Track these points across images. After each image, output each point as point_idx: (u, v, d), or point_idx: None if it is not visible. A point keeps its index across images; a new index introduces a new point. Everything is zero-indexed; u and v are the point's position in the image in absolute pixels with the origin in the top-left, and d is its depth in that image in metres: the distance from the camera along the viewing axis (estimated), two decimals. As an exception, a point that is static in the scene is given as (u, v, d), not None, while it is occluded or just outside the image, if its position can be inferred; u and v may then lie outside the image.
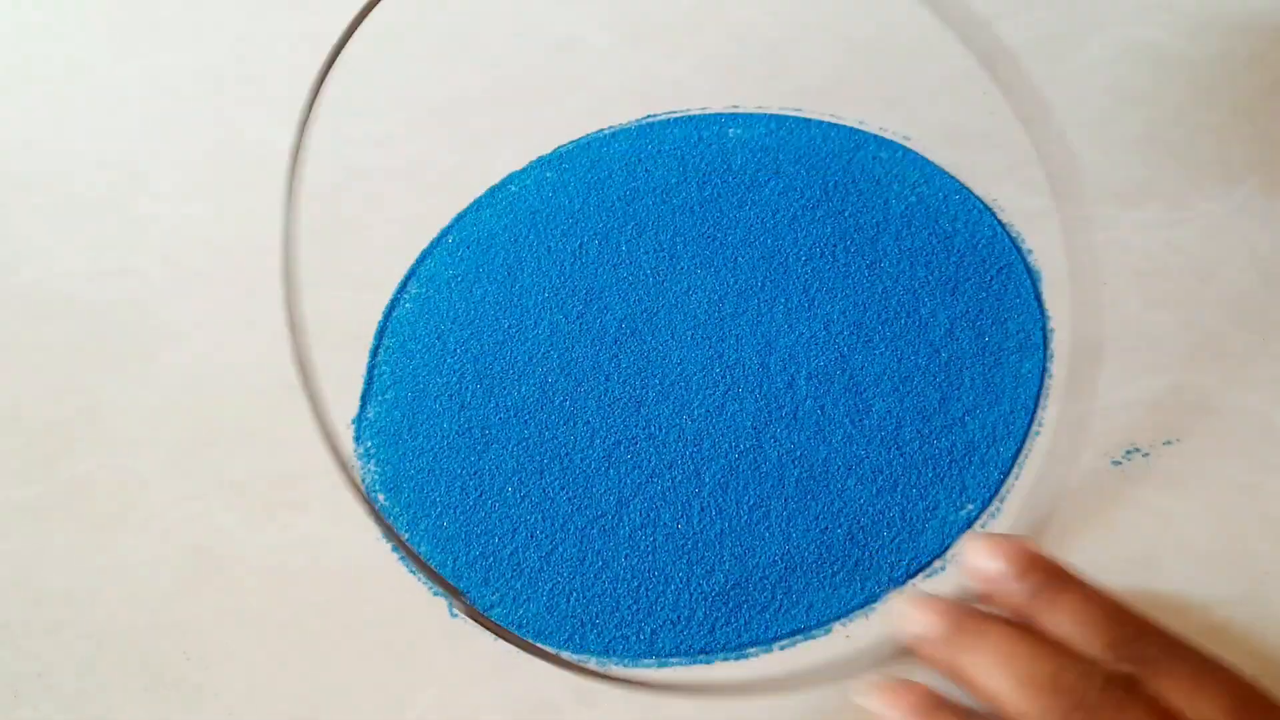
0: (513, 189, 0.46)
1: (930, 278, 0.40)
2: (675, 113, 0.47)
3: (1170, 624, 0.32)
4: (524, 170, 0.47)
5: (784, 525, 0.35)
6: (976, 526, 0.34)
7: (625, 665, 0.34)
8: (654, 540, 0.36)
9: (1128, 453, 0.35)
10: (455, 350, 0.42)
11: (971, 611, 0.25)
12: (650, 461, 0.37)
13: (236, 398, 0.42)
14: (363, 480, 0.39)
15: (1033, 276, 0.39)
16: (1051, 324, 0.38)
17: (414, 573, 0.37)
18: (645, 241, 0.43)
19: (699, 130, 0.46)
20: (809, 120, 0.46)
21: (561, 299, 0.42)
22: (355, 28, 0.32)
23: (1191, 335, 0.37)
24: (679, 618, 0.34)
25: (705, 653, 0.33)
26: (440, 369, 0.41)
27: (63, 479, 0.41)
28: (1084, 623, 0.25)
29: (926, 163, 0.43)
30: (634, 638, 0.34)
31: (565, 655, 0.34)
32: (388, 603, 0.36)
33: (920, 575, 0.34)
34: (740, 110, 0.47)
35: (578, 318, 0.41)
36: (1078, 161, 0.41)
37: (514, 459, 0.38)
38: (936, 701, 0.25)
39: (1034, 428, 0.36)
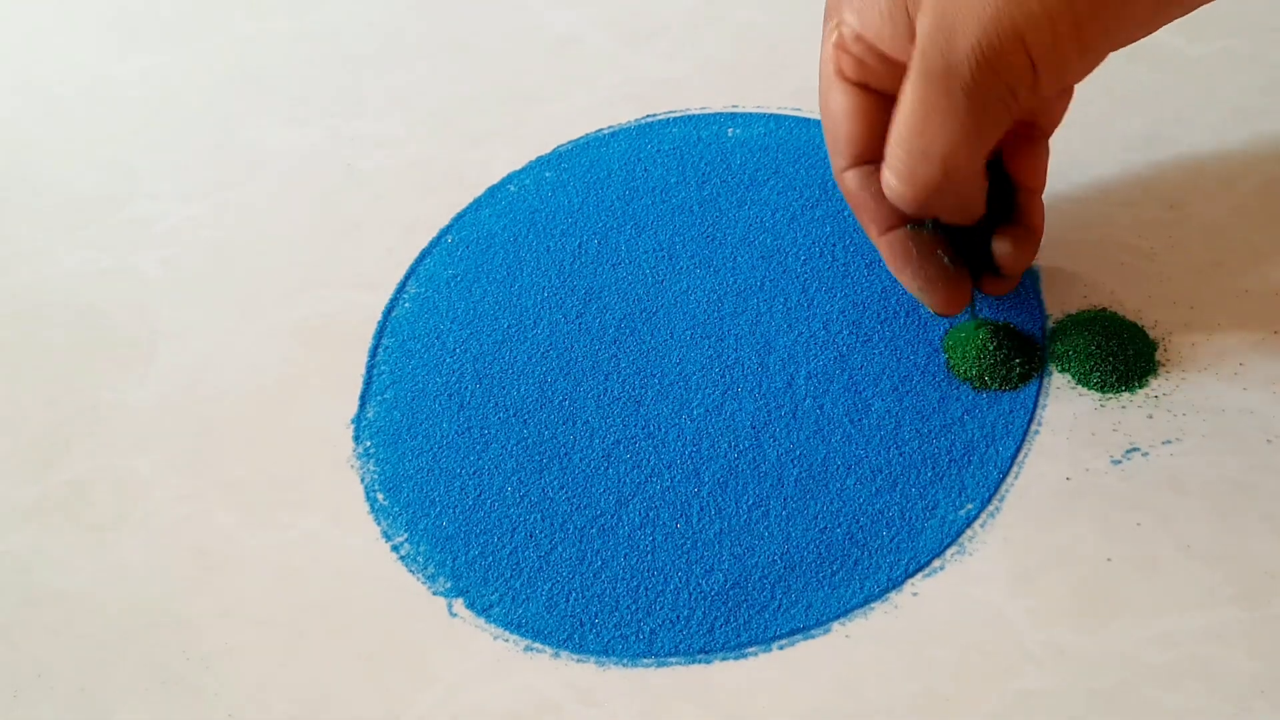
0: (512, 189, 0.46)
1: (930, 277, 0.40)
2: (675, 112, 0.47)
3: (1171, 624, 0.32)
4: (523, 170, 0.47)
5: (783, 525, 0.35)
6: (975, 527, 0.34)
7: (625, 665, 0.34)
8: (653, 540, 0.36)
9: (1128, 453, 0.35)
10: (455, 350, 0.42)
11: None
12: (650, 461, 0.37)
13: (236, 398, 0.42)
14: (363, 480, 0.39)
15: (1033, 276, 0.39)
16: (1051, 324, 0.38)
17: (414, 573, 0.37)
18: (645, 241, 0.43)
19: (698, 130, 0.46)
20: (809, 120, 0.46)
21: (561, 299, 0.42)
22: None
23: (1191, 335, 0.37)
24: (678, 617, 0.34)
25: (705, 652, 0.33)
26: (440, 369, 0.41)
27: (63, 479, 0.41)
28: None
29: (926, 162, 0.43)
30: (633, 637, 0.34)
31: (565, 655, 0.34)
32: (388, 603, 0.36)
33: (920, 575, 0.34)
34: (740, 110, 0.47)
35: (577, 318, 0.41)
36: (1077, 161, 0.41)
37: (514, 459, 0.38)
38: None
39: (1033, 427, 0.36)
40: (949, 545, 0.34)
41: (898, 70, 0.30)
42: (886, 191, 0.31)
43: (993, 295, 0.37)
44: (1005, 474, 0.35)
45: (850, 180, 0.34)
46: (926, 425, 0.36)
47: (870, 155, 0.33)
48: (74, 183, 0.51)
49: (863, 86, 0.32)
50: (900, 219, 0.33)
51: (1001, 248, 0.34)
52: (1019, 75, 0.27)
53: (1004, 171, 0.35)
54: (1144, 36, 0.29)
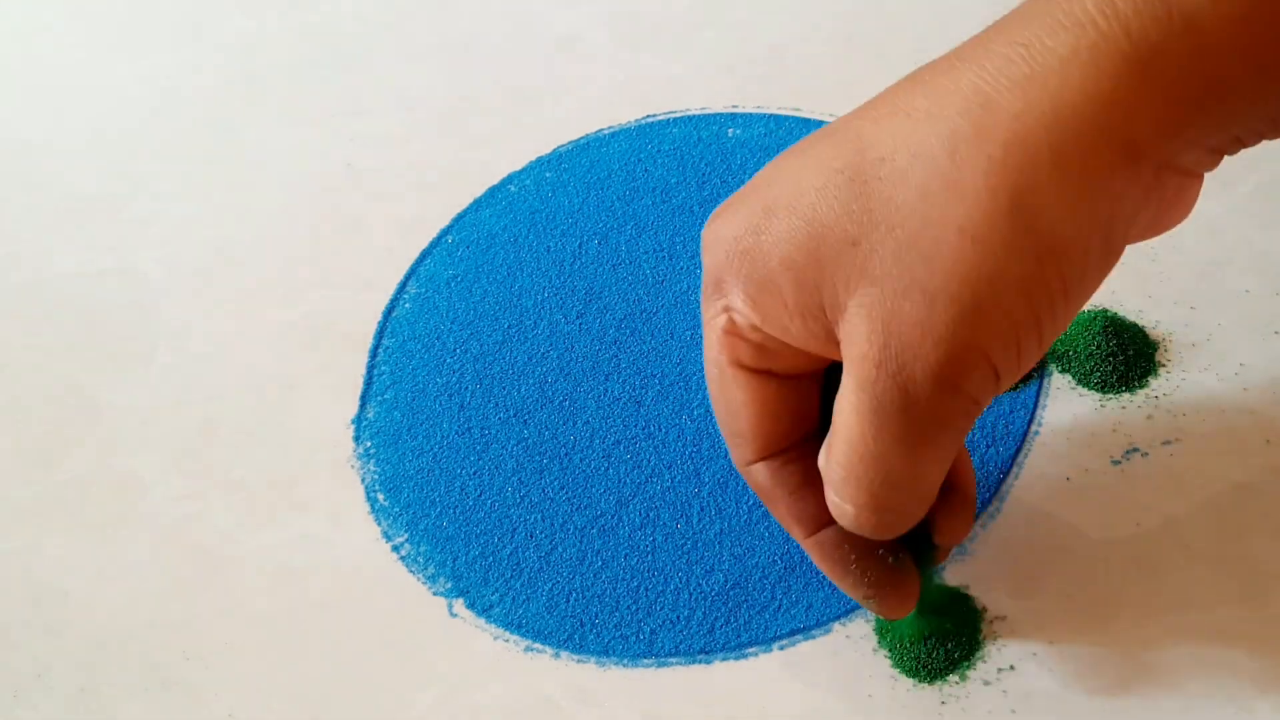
0: (512, 189, 0.46)
1: (930, 278, 0.39)
2: (675, 113, 0.47)
3: (1171, 624, 0.32)
4: (524, 170, 0.47)
5: (784, 525, 0.35)
6: (976, 527, 0.34)
7: (625, 665, 0.34)
8: (654, 540, 0.36)
9: (1128, 453, 0.35)
10: (455, 350, 0.42)
11: None
12: (650, 462, 0.37)
13: (236, 398, 0.42)
14: (363, 480, 0.39)
15: (1032, 276, 0.39)
16: (1051, 324, 0.38)
17: (414, 573, 0.37)
18: (645, 241, 0.43)
19: (698, 130, 0.46)
20: (808, 120, 0.46)
21: (561, 299, 0.42)
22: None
23: (1191, 335, 0.37)
24: (679, 618, 0.34)
25: (705, 652, 0.33)
26: (440, 369, 0.41)
27: (63, 479, 0.41)
28: None
29: (926, 163, 0.43)
30: (633, 638, 0.34)
31: (565, 655, 0.34)
32: (388, 603, 0.36)
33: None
34: (740, 110, 0.47)
35: (578, 318, 0.41)
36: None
37: (514, 459, 0.38)
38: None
39: (1033, 428, 0.36)
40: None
41: (807, 358, 0.26)
42: (841, 519, 0.26)
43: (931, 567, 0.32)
44: (1005, 474, 0.35)
45: (760, 475, 0.28)
46: (927, 425, 0.36)
47: (781, 444, 0.28)
48: (74, 183, 0.51)
49: (765, 373, 0.27)
50: (828, 515, 0.28)
51: (940, 524, 0.29)
52: (984, 386, 0.23)
53: None
54: None
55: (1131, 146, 0.22)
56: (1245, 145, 0.23)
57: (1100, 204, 0.22)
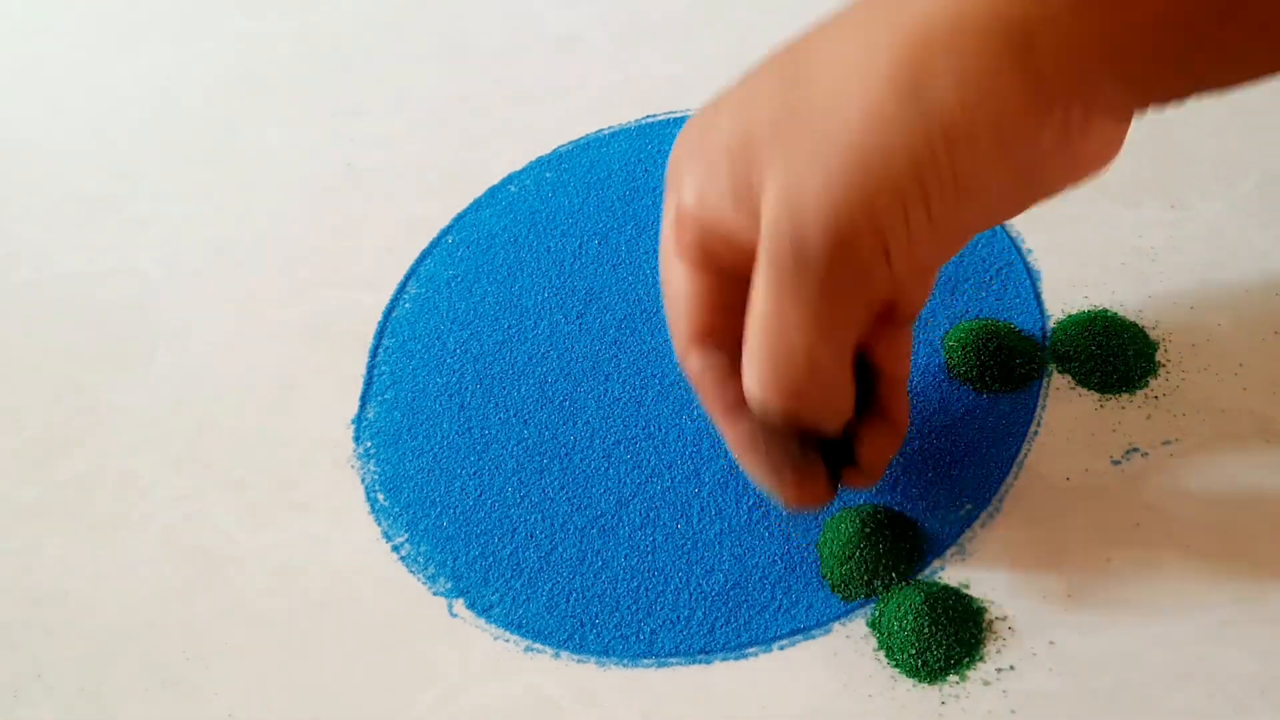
0: (512, 189, 0.46)
1: (930, 278, 0.39)
2: (675, 113, 0.47)
3: (1171, 624, 0.32)
4: (524, 170, 0.47)
5: (783, 525, 0.35)
6: (975, 527, 0.34)
7: (625, 665, 0.34)
8: (654, 540, 0.36)
9: (1128, 453, 0.35)
10: (455, 350, 0.42)
11: None
12: (650, 462, 0.37)
13: (236, 398, 0.42)
14: (363, 480, 0.39)
15: (1032, 277, 0.39)
16: (1051, 324, 0.38)
17: (414, 573, 0.37)
18: (645, 241, 0.43)
19: (699, 130, 0.46)
20: (809, 120, 0.46)
21: (561, 299, 0.42)
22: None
23: (1191, 335, 0.37)
24: (679, 618, 0.34)
25: (705, 653, 0.33)
26: (440, 369, 0.41)
27: (63, 479, 0.41)
28: None
29: (926, 163, 0.43)
30: (634, 638, 0.34)
31: (565, 655, 0.34)
32: (388, 603, 0.36)
33: (920, 575, 0.34)
34: (740, 110, 0.47)
35: (578, 318, 0.41)
36: (1077, 161, 0.41)
37: (514, 459, 0.38)
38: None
39: (1033, 428, 0.36)
40: (949, 545, 0.34)
41: (743, 254, 0.27)
42: (751, 403, 0.28)
43: (854, 489, 0.34)
44: (1005, 474, 0.35)
45: (692, 362, 0.31)
46: (927, 426, 0.36)
47: (713, 336, 0.30)
48: (74, 183, 0.51)
49: (705, 266, 0.29)
50: (748, 408, 0.30)
51: (862, 440, 0.31)
52: (872, 256, 0.25)
53: (865, 359, 0.30)
54: (1007, 219, 0.28)
55: (1025, 47, 0.23)
56: (1160, 101, 0.25)
57: (990, 92, 0.24)
